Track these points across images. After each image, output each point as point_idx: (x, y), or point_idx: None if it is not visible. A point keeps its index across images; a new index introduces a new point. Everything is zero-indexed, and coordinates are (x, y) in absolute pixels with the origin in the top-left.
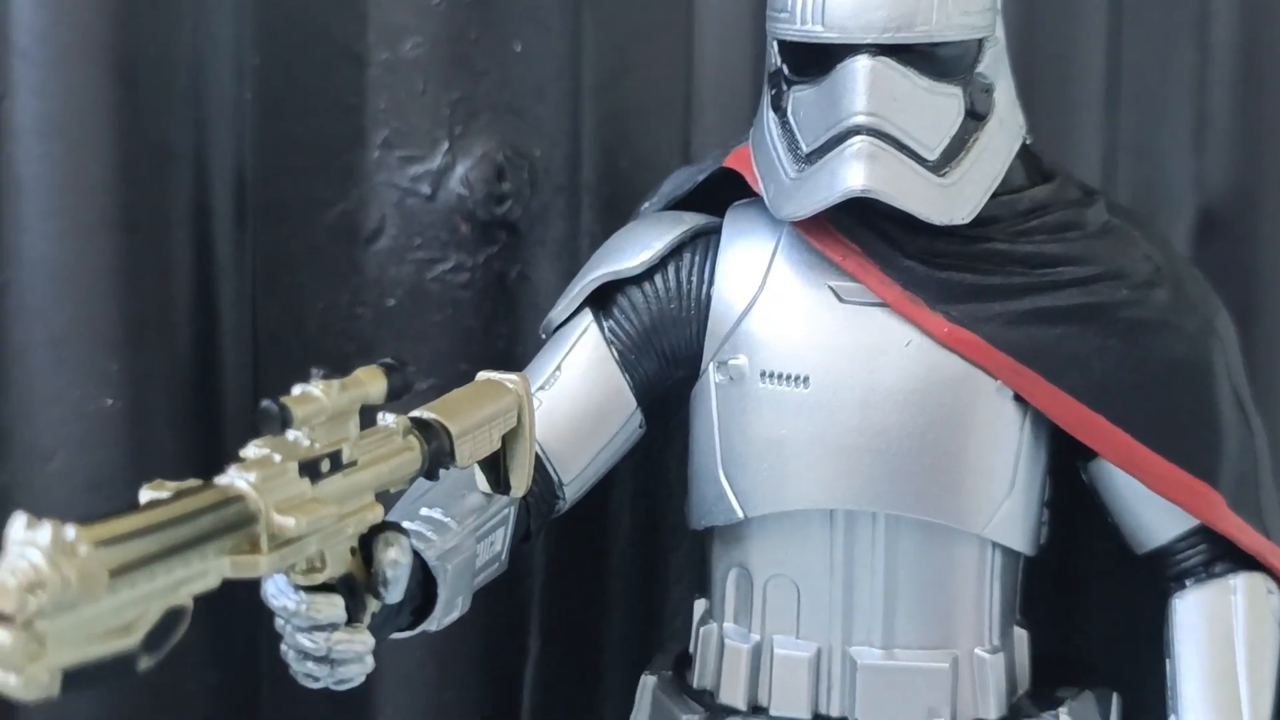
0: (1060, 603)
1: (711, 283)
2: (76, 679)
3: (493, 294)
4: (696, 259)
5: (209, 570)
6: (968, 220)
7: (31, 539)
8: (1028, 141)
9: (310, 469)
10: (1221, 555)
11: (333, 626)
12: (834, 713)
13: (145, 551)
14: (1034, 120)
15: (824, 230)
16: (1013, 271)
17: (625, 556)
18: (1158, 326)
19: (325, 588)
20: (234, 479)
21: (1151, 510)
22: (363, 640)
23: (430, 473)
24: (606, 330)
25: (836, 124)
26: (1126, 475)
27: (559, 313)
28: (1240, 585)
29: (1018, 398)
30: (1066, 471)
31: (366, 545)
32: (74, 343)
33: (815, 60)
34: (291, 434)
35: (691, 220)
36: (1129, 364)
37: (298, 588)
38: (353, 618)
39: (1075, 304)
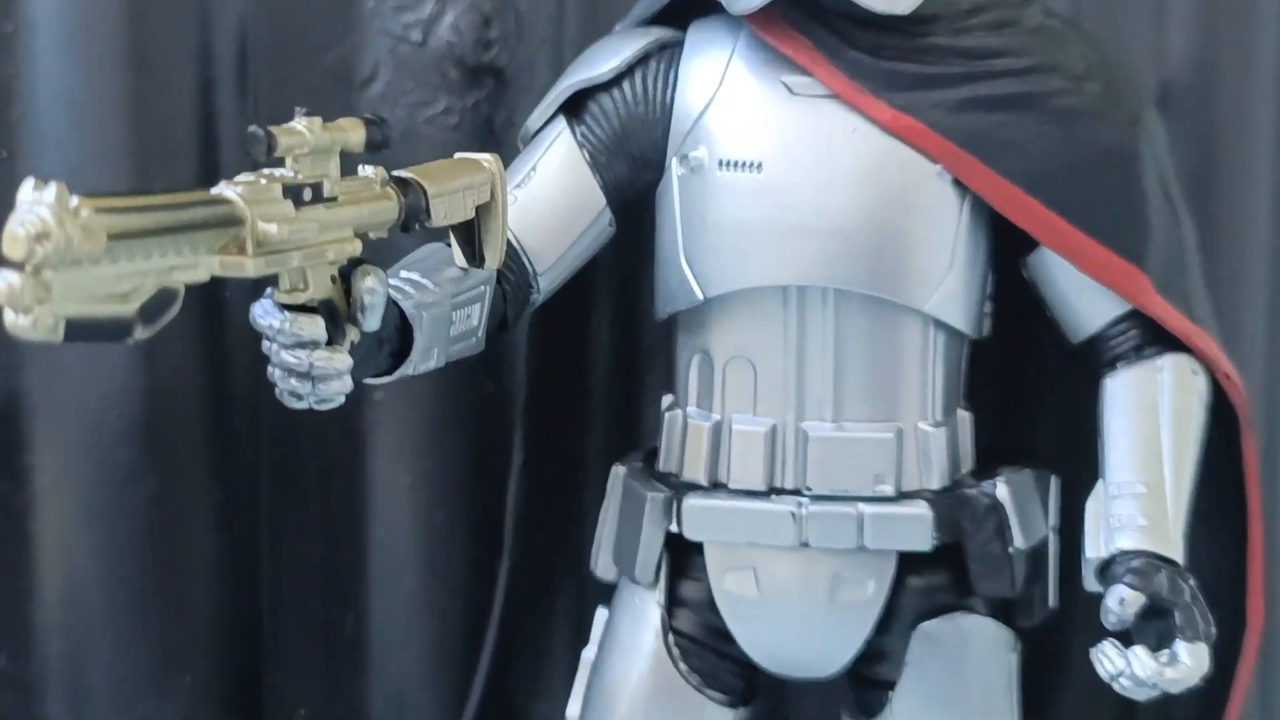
0: (1008, 397)
1: (675, 88)
2: (78, 330)
3: (480, 136)
4: (661, 66)
5: (199, 264)
6: (908, 11)
7: (39, 198)
8: None
9: (294, 194)
10: (1151, 340)
11: (314, 344)
12: (788, 485)
13: (141, 225)
14: None
15: (778, 28)
16: (953, 62)
17: (605, 375)
18: (1090, 115)
19: (308, 310)
20: (223, 189)
21: (1084, 297)
22: (341, 359)
23: (406, 225)
24: (579, 134)
25: None
26: (1062, 266)
27: (535, 119)
28: (1167, 364)
29: (956, 182)
30: (1010, 272)
31: (347, 279)
32: (86, 172)
33: None
34: (278, 171)
35: (657, 33)
36: (1063, 150)
37: (282, 308)
38: (333, 340)
39: (1012, 93)
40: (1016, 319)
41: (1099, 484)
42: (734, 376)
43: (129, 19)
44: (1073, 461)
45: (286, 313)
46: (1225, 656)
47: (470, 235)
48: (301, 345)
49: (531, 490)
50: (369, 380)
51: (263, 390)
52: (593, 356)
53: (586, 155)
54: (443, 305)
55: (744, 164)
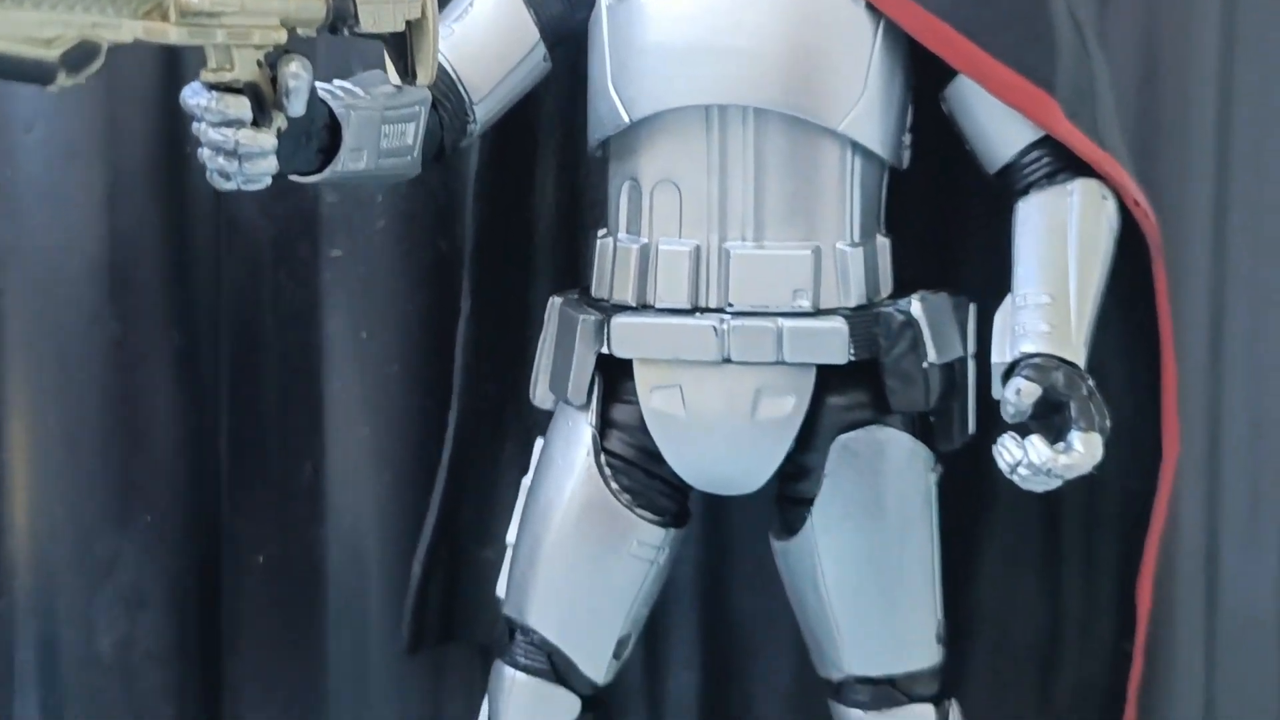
0: (932, 232)
1: None
2: (2, 66)
3: None
4: None
5: (122, 26)
6: None
7: None
8: None
9: None
10: (1063, 167)
11: (239, 123)
12: (712, 303)
13: None
14: None
15: None
16: None
17: (550, 226)
18: None
19: (234, 90)
20: None
21: (997, 126)
22: (266, 139)
23: (334, 27)
24: None
25: None
26: (976, 95)
27: None
28: (1077, 188)
29: (871, 7)
30: (932, 111)
31: (274, 68)
32: None
33: None
34: None
35: None
36: None
37: (210, 88)
38: (259, 123)
39: None
40: (939, 156)
41: (1007, 297)
42: (660, 200)
43: None
44: (993, 294)
45: (214, 92)
46: (1145, 490)
47: (403, 52)
48: (227, 123)
49: (480, 339)
50: (299, 177)
51: (225, 242)
52: (537, 209)
53: None
54: (373, 111)
55: None
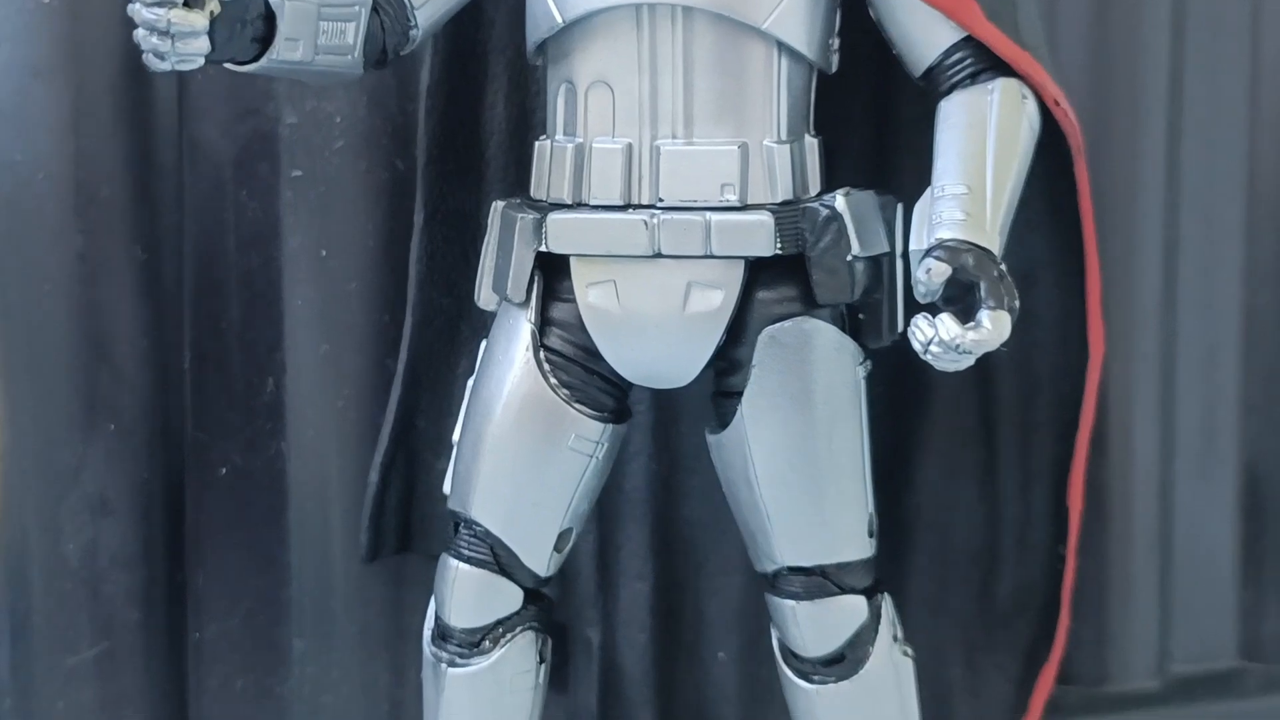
0: (863, 137)
1: None
2: None
3: None
4: None
5: None
6: None
7: None
8: None
9: None
10: (985, 68)
11: (171, 4)
12: (644, 200)
13: None
14: None
15: None
16: None
17: (501, 148)
18: None
19: None
20: None
21: (920, 27)
22: (198, 19)
23: None
24: None
25: None
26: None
27: None
28: (998, 87)
29: None
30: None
31: None
32: None
33: None
34: None
35: None
36: None
37: None
38: (191, 4)
39: None
40: (872, 61)
41: (928, 189)
42: (594, 100)
43: None
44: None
45: None
46: (1076, 394)
47: None
48: (160, 4)
49: (433, 252)
50: (236, 66)
51: (188, 162)
52: (487, 126)
53: None
54: (309, 6)
55: None
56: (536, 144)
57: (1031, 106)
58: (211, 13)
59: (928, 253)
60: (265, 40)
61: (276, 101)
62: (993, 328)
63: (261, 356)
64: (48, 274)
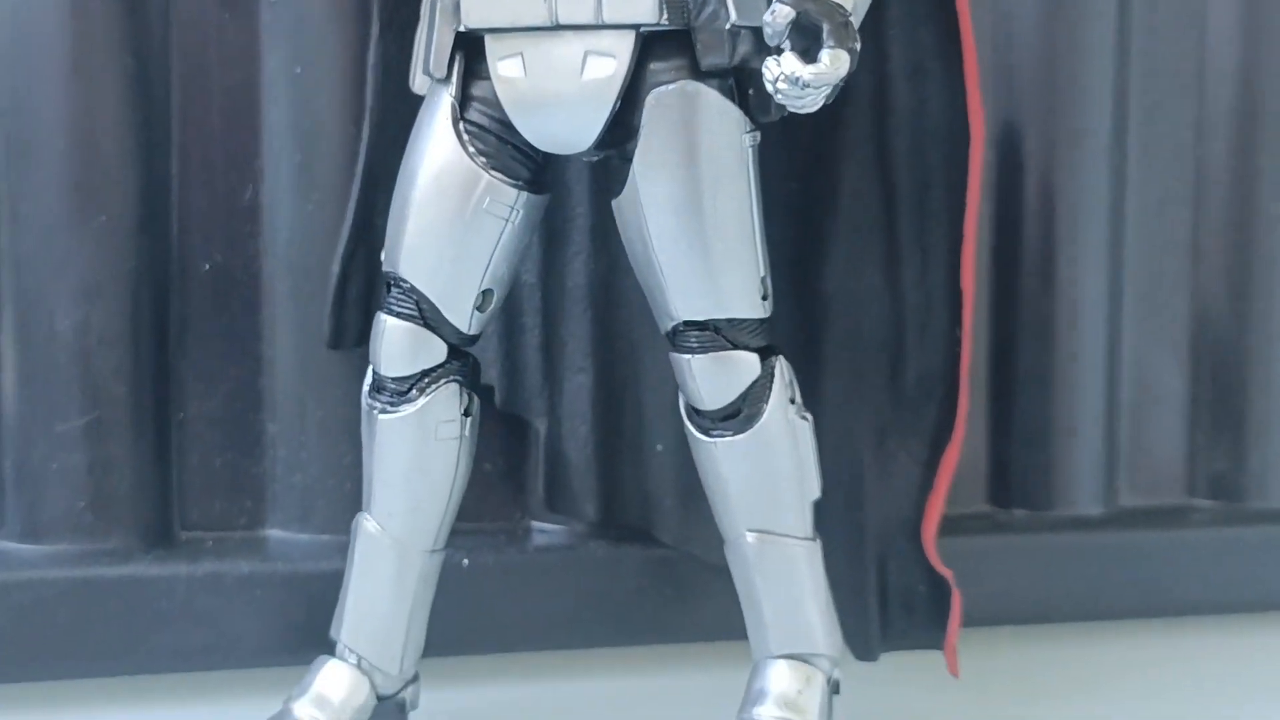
0: None
1: None
2: None
3: None
4: None
5: None
6: None
7: None
8: None
9: None
10: None
11: None
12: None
13: None
14: None
15: None
16: None
17: None
18: None
19: None
20: None
21: None
22: None
23: None
24: None
25: None
26: None
27: None
28: None
29: None
30: None
31: None
32: None
33: None
34: None
35: None
36: None
37: None
38: None
39: None
40: None
41: None
42: None
43: None
44: None
45: None
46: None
47: None
48: None
49: (387, 58)
50: None
51: None
52: None
53: None
54: None
55: None
56: None
57: None
58: None
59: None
60: None
61: None
62: (829, 64)
63: (241, 164)
64: (46, 77)
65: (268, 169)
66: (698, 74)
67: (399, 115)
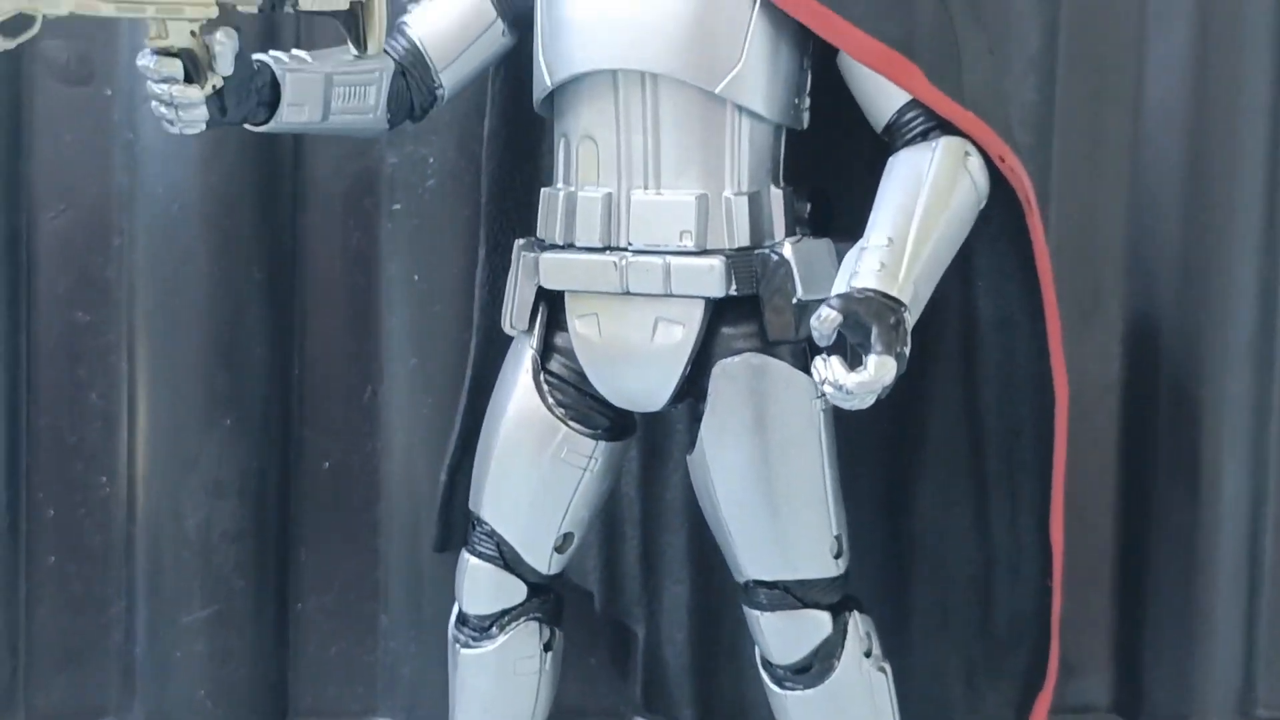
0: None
1: None
2: None
3: None
4: None
5: (60, 3)
6: None
7: None
8: None
9: None
10: (935, 126)
11: (172, 79)
12: (620, 243)
13: None
14: None
15: None
16: None
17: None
18: None
19: (171, 54)
20: None
21: (875, 87)
22: (194, 92)
23: (274, 3)
24: None
25: None
26: (855, 62)
27: None
28: (941, 144)
29: None
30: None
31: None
32: None
33: None
34: None
35: None
36: None
37: (154, 53)
38: (194, 80)
39: None
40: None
41: (859, 241)
42: (583, 153)
43: None
44: None
45: (154, 56)
46: (1044, 429)
47: (355, 27)
48: (163, 80)
49: (493, 280)
50: (253, 127)
51: (300, 196)
52: (538, 171)
53: None
54: (316, 75)
55: None
56: (543, 190)
57: (975, 163)
58: (214, 86)
59: (825, 302)
60: (274, 105)
61: (380, 145)
62: (874, 372)
63: (362, 366)
64: (180, 290)
65: (387, 372)
66: (766, 338)
67: (501, 332)
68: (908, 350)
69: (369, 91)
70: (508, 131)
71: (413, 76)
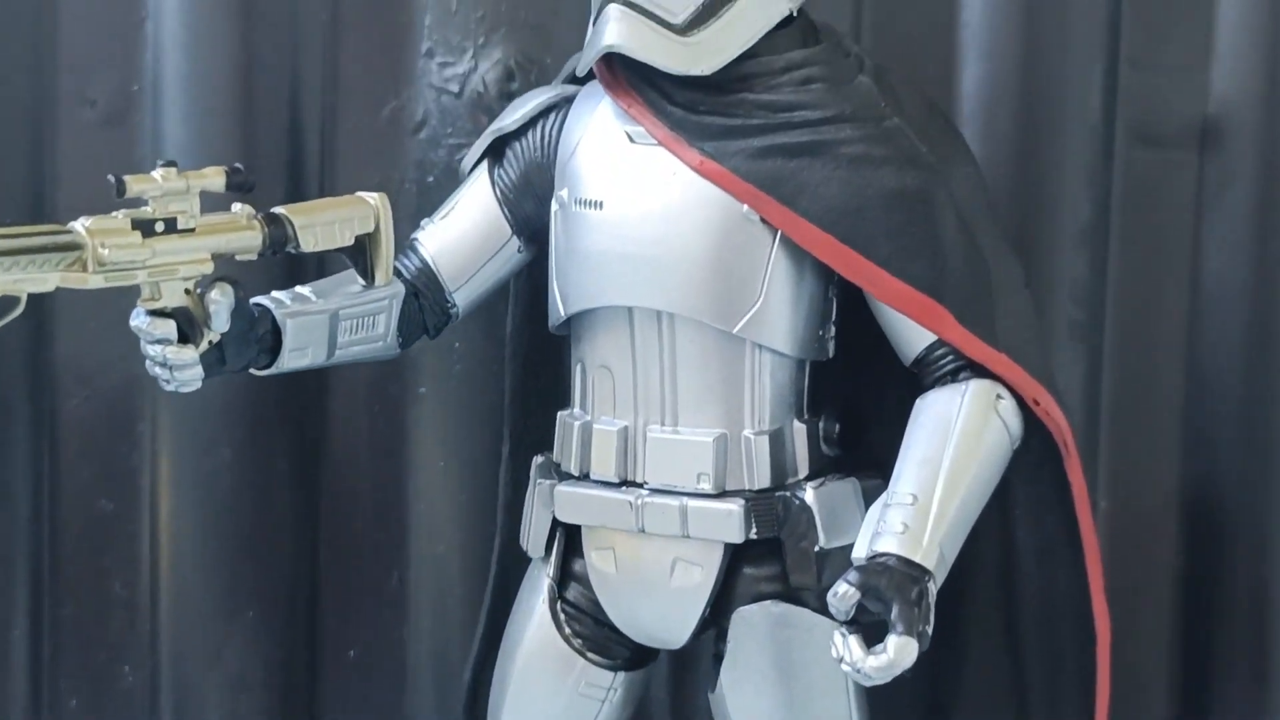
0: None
1: (560, 137)
2: None
3: None
4: (558, 117)
5: (47, 279)
6: (709, 72)
7: None
8: (793, 14)
9: (145, 226)
10: (965, 365)
11: (166, 341)
12: (636, 478)
13: None
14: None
15: (621, 87)
16: (757, 115)
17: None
18: (877, 162)
19: (164, 315)
20: (74, 223)
21: (902, 323)
22: (189, 354)
23: (275, 250)
24: (495, 175)
25: None
26: None
27: (466, 161)
28: (971, 388)
29: (766, 220)
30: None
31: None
32: None
33: None
34: (145, 205)
35: (564, 89)
36: (851, 190)
37: (148, 313)
38: (189, 339)
39: (804, 141)
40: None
41: (884, 493)
42: (599, 382)
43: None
44: None
45: (148, 316)
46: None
47: (362, 259)
48: (157, 342)
49: (518, 479)
50: (257, 371)
51: (329, 384)
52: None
53: (498, 193)
54: (319, 314)
55: (590, 202)
56: (560, 415)
57: (1007, 406)
58: (210, 341)
59: (843, 576)
60: (277, 349)
61: None
62: (894, 655)
63: (388, 553)
64: (205, 479)
65: (413, 558)
66: (787, 580)
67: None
68: (930, 628)
69: (378, 320)
70: (531, 329)
71: (425, 297)
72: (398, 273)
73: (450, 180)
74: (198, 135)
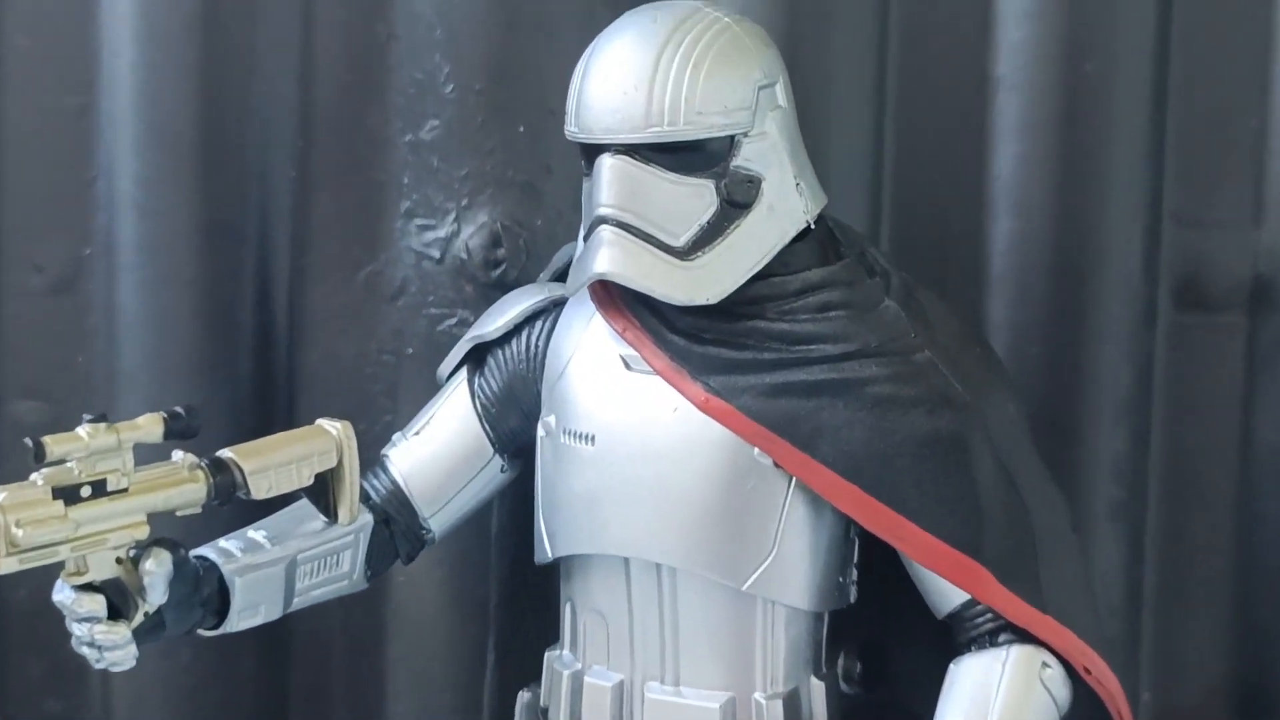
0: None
1: (548, 348)
2: None
3: None
4: (544, 326)
5: None
6: (715, 300)
7: None
8: (810, 224)
9: (69, 493)
10: (1005, 627)
11: (95, 619)
12: None
13: None
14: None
15: (614, 305)
16: (768, 347)
17: None
18: (907, 403)
19: (92, 589)
20: None
21: (934, 579)
22: (120, 633)
23: (221, 500)
24: (475, 386)
25: (592, 214)
26: None
27: (443, 368)
28: (1013, 656)
29: (779, 465)
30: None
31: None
32: (143, 376)
33: (586, 155)
34: (69, 464)
35: (549, 290)
36: (878, 436)
37: (73, 587)
38: (120, 614)
39: (823, 379)
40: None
41: None
42: (591, 627)
43: (201, 251)
44: None
45: (72, 592)
46: None
47: (323, 495)
48: (83, 620)
49: (503, 696)
50: (205, 632)
51: None
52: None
53: (478, 406)
54: (274, 565)
55: (581, 435)
56: (547, 655)
57: (1054, 675)
58: (145, 613)
59: None
60: (225, 609)
61: None
62: None
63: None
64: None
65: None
66: None
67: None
68: None
69: (343, 558)
70: (519, 535)
71: (397, 524)
72: (365, 497)
73: (431, 353)
74: (154, 304)
